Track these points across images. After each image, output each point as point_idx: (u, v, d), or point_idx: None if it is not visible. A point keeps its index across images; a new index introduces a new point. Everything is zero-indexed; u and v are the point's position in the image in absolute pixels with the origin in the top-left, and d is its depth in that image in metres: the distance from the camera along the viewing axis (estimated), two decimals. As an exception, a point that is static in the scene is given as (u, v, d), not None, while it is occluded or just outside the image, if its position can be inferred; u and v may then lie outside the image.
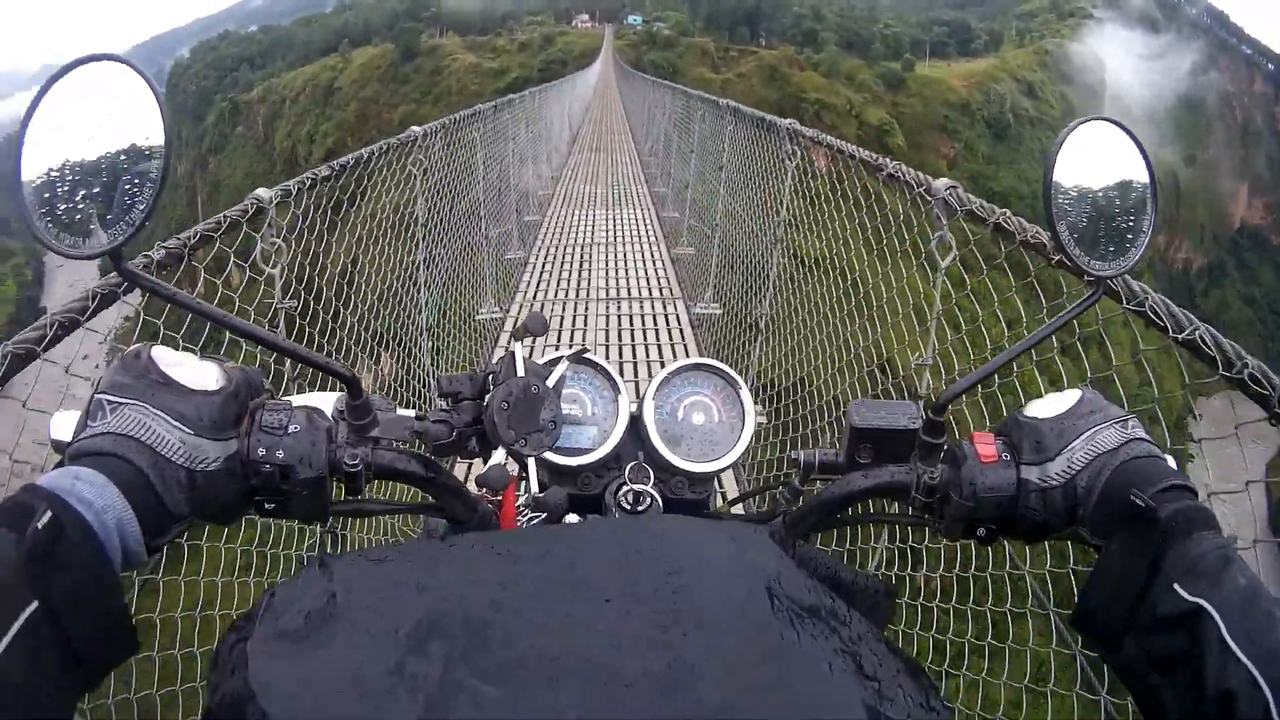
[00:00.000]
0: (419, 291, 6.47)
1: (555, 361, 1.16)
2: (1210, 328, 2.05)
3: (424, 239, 6.51)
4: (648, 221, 13.78)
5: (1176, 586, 0.77)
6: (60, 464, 0.82)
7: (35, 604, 0.66)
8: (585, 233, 12.97)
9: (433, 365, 6.64)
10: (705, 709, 0.62)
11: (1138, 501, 0.83)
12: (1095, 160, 0.99)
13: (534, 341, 1.36)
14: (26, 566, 0.66)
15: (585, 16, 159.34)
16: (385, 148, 5.38)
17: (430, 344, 6.70)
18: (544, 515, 1.14)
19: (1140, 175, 1.00)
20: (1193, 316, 2.09)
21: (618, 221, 13.84)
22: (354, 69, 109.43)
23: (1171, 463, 0.91)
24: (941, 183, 3.23)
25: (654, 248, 12.00)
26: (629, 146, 23.32)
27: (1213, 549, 0.78)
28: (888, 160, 3.81)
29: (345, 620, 0.69)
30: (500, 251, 10.43)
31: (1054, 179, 0.97)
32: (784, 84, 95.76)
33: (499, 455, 1.03)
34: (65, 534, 0.71)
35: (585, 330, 8.58)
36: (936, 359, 3.65)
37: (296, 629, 0.69)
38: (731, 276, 8.17)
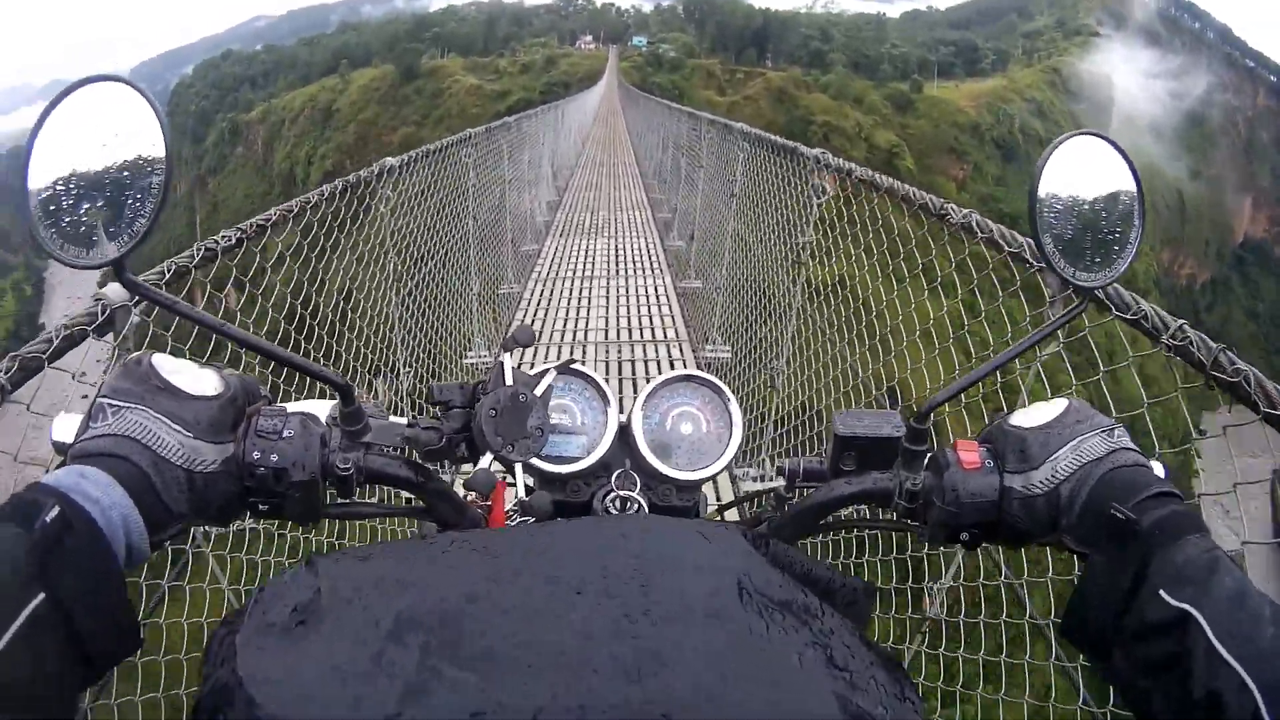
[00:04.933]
0: (395, 341, 5.80)
1: (544, 372, 1.17)
2: (1203, 335, 2.07)
3: (397, 283, 5.84)
4: (651, 253, 13.00)
5: (1162, 593, 0.76)
6: (62, 464, 0.83)
7: (41, 596, 0.67)
8: (584, 264, 12.17)
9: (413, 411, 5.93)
10: (673, 696, 0.63)
11: (1118, 515, 0.83)
12: (1083, 174, 0.99)
13: (523, 353, 1.31)
14: (34, 560, 0.68)
15: (589, 38, 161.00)
16: (340, 188, 4.57)
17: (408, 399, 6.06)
18: (531, 519, 1.16)
19: (1128, 187, 1.00)
20: (1181, 320, 2.12)
21: (618, 252, 13.04)
22: (353, 90, 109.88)
23: (1159, 470, 0.92)
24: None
25: (658, 280, 11.23)
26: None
27: (1199, 553, 0.78)
28: (971, 214, 3.24)
29: (330, 614, 0.69)
30: (493, 286, 9.75)
31: (1040, 192, 0.97)
32: (791, 106, 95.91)
33: (486, 461, 1.07)
34: (72, 529, 0.73)
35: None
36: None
37: (283, 622, 0.70)
38: (743, 314, 7.61)
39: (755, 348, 6.87)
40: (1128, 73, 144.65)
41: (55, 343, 2.28)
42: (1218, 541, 0.82)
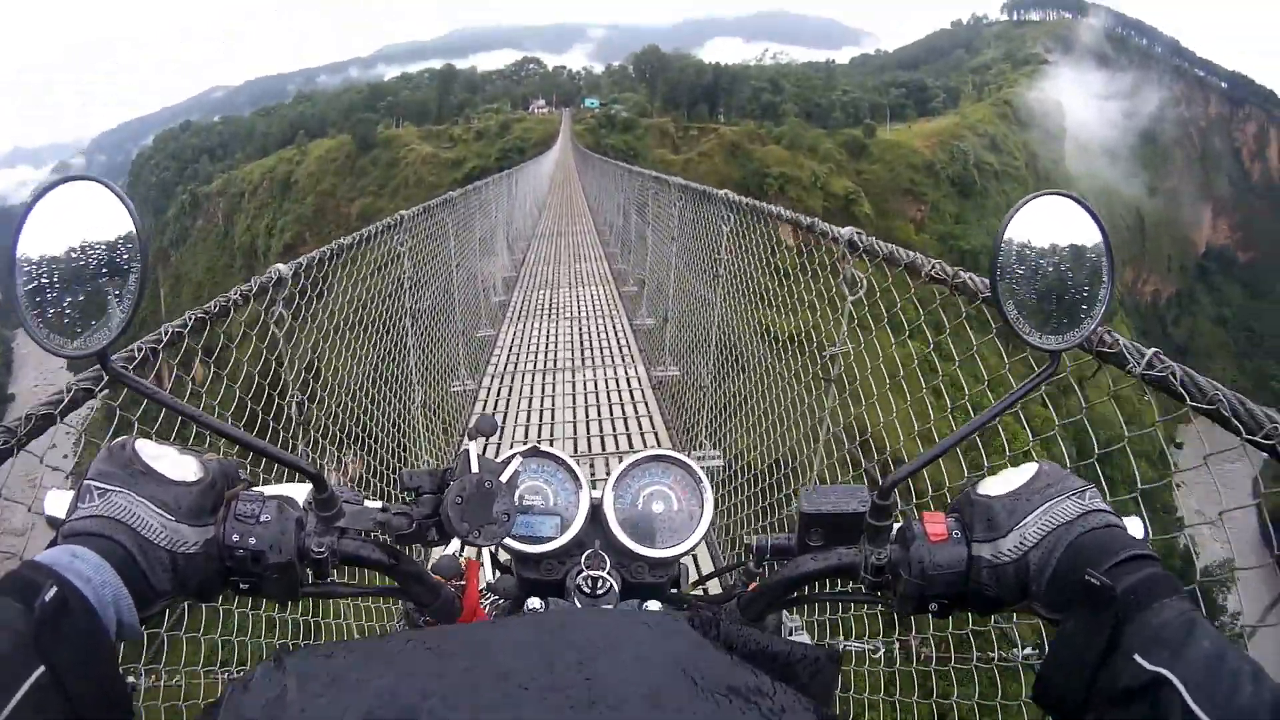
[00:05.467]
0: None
1: (510, 459, 1.17)
2: (1240, 396, 1.85)
3: (305, 425, 4.53)
4: (619, 335, 11.64)
5: (1137, 657, 0.75)
6: (54, 541, 0.88)
7: (42, 669, 0.70)
8: (546, 355, 10.79)
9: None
10: None
11: (1093, 581, 0.81)
12: (1048, 233, 0.97)
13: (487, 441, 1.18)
14: (36, 635, 0.72)
15: (542, 102, 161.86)
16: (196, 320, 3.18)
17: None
18: (501, 599, 1.30)
19: (1094, 242, 0.97)
20: (1216, 383, 1.90)
21: (583, 336, 11.68)
22: (311, 161, 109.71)
23: (1135, 528, 0.90)
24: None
25: (629, 370, 9.89)
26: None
27: (1174, 615, 0.77)
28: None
29: (295, 710, 0.71)
30: (444, 385, 8.47)
31: (1002, 255, 0.96)
32: (746, 160, 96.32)
33: (454, 546, 1.18)
34: (69, 607, 0.76)
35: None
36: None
37: (255, 718, 0.72)
38: (739, 417, 6.53)
39: (768, 468, 5.59)
40: (1079, 96, 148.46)
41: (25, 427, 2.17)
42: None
